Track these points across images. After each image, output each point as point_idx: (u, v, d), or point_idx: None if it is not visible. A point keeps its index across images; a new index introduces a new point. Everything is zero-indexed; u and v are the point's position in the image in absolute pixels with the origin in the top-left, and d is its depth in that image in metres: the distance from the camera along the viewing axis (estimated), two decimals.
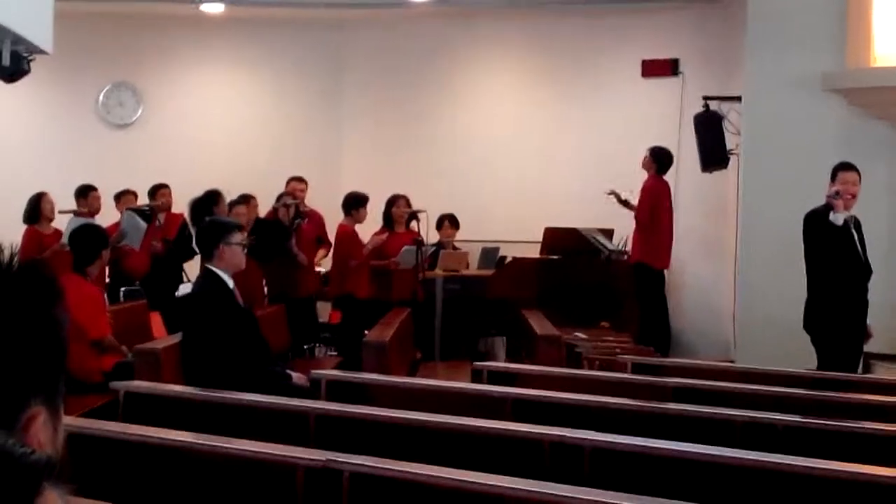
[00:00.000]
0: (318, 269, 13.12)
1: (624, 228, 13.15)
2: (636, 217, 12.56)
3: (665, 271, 13.05)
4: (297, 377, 7.78)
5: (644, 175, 12.72)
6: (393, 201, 12.59)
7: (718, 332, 13.55)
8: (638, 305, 12.56)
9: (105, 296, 9.96)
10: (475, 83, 15.61)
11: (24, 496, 1.10)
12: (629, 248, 12.98)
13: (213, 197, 11.70)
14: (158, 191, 13.17)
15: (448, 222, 13.81)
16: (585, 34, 14.95)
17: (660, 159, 12.72)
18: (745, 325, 12.06)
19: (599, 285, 12.72)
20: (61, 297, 1.47)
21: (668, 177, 13.18)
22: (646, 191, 12.63)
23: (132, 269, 12.47)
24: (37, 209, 12.07)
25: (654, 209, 12.49)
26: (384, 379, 7.48)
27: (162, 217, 12.89)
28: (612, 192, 12.68)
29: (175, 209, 12.93)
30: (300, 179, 13.09)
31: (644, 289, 12.52)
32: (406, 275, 12.12)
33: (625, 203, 12.69)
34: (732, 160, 12.76)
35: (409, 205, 12.55)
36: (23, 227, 11.98)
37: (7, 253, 1.43)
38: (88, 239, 9.42)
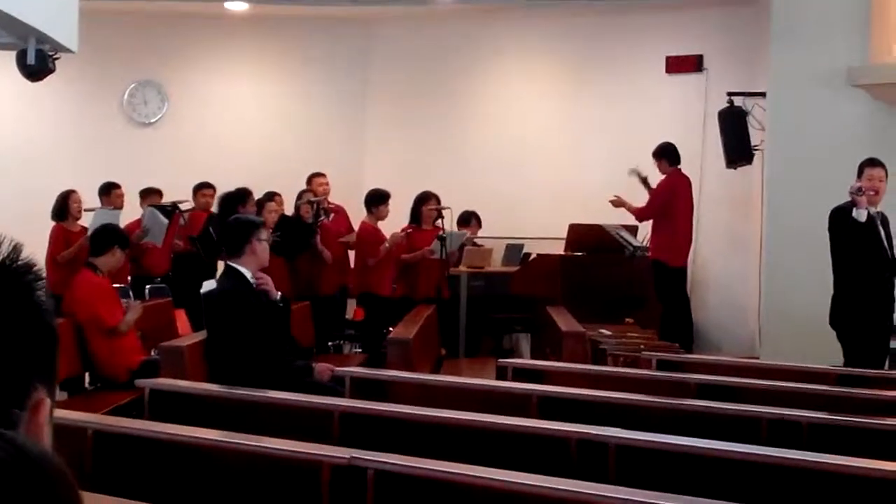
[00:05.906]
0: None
1: (648, 224, 13.12)
2: (644, 208, 12.61)
3: (688, 268, 13.03)
4: (319, 367, 7.81)
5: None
6: (425, 199, 12.49)
7: (743, 329, 13.51)
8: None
9: (118, 289, 9.94)
10: (499, 81, 15.58)
11: None
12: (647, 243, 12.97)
13: (242, 196, 11.77)
14: (200, 191, 13.25)
15: (475, 220, 13.81)
16: (610, 31, 14.91)
17: (665, 154, 12.72)
18: (769, 321, 12.01)
19: (624, 282, 12.65)
20: (41, 279, 1.44)
21: (693, 172, 13.16)
22: (659, 185, 12.64)
23: (151, 266, 12.51)
24: (64, 207, 12.07)
25: (668, 205, 12.49)
26: (408, 376, 7.48)
27: (187, 216, 12.87)
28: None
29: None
30: (320, 175, 13.13)
31: (662, 286, 12.48)
32: (431, 272, 12.10)
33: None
34: (757, 156, 12.72)
35: (439, 203, 12.48)
36: (50, 224, 12.00)
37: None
38: (101, 234, 9.61)
